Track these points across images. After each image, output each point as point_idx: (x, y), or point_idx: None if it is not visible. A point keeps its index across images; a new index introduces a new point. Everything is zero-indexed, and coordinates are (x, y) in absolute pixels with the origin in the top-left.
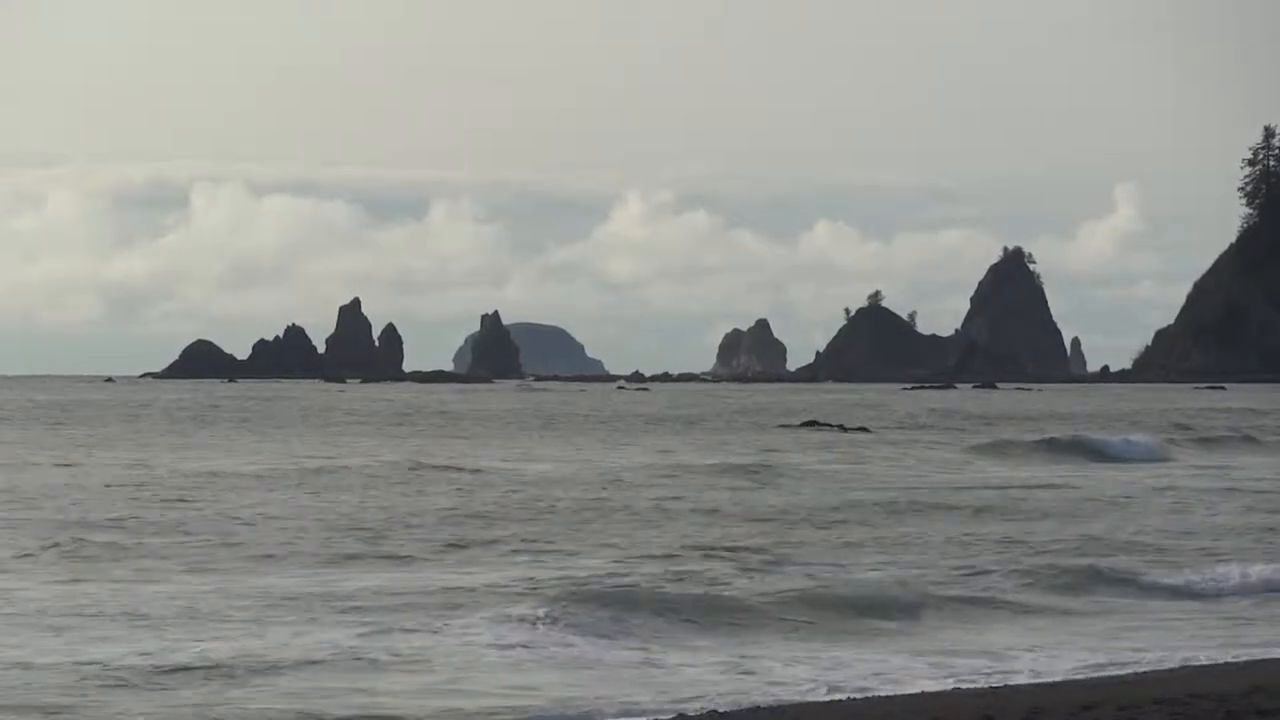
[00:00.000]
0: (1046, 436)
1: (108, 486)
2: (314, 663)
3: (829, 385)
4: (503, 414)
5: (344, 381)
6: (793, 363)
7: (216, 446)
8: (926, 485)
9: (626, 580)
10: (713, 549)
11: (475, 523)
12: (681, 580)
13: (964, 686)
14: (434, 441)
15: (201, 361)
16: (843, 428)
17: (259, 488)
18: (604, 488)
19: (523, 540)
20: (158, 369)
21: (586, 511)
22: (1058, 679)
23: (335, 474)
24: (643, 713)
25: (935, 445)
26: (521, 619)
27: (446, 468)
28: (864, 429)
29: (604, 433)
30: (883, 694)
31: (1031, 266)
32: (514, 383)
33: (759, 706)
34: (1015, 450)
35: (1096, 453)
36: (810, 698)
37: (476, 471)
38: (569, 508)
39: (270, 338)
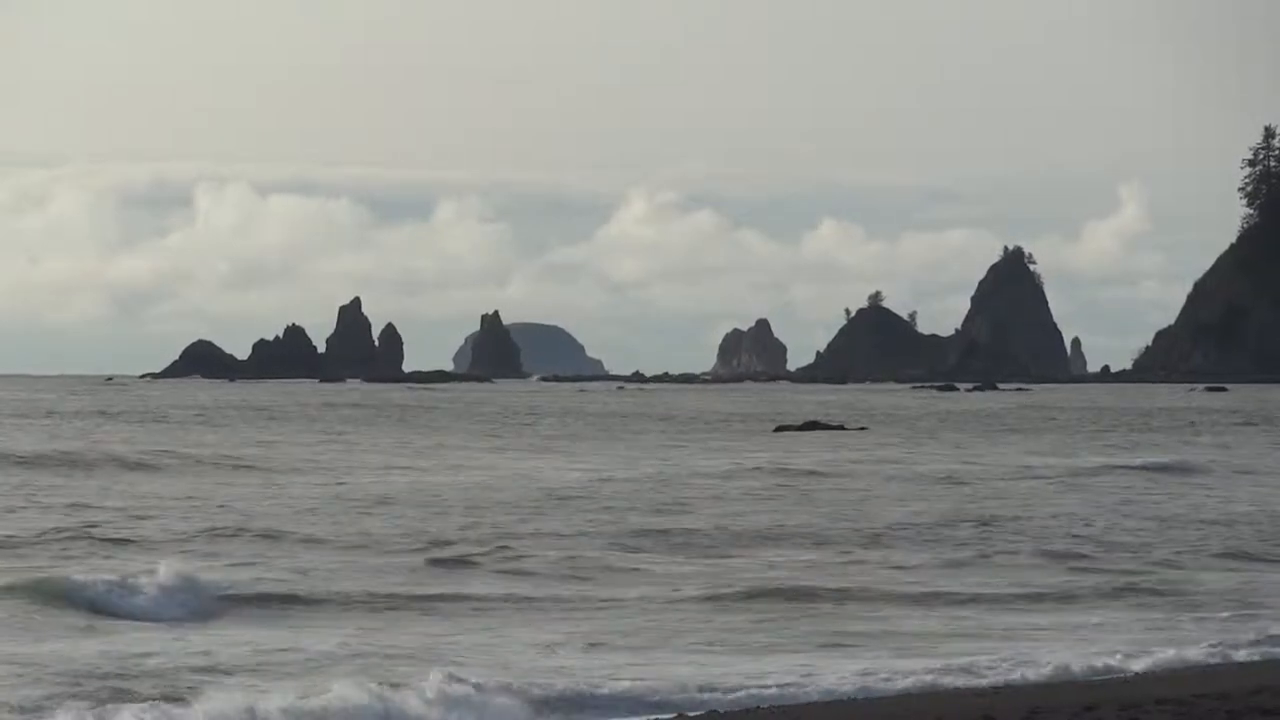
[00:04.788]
0: None
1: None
2: None
3: (850, 385)
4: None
5: (343, 381)
6: (793, 363)
7: (557, 450)
8: None
9: None
10: None
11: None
12: None
13: (964, 686)
14: (742, 441)
15: (201, 361)
16: (843, 427)
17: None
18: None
19: None
20: (158, 369)
21: None
22: (1058, 678)
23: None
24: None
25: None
26: None
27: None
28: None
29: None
30: (882, 694)
31: (1032, 266)
32: (581, 383)
33: (759, 706)
34: None
35: None
36: (816, 697)
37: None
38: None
39: (270, 338)
